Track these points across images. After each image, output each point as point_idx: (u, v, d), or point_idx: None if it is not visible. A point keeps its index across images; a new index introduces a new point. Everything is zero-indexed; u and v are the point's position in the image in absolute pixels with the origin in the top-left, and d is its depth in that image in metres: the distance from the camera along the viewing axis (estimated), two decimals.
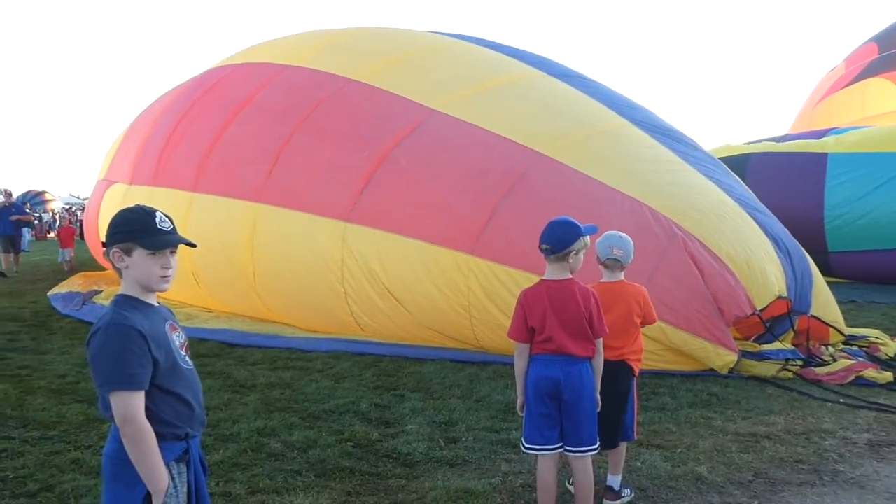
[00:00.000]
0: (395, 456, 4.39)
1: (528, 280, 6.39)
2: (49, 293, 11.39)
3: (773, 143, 14.27)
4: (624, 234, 3.89)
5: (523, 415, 3.48)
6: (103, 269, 13.26)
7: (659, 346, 6.01)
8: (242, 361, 6.93)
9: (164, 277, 2.30)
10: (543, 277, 3.42)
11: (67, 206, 43.17)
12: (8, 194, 16.58)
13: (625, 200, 6.41)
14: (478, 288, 6.64)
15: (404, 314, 7.15)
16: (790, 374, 6.04)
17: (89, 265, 15.60)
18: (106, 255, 2.31)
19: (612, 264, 3.83)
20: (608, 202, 6.38)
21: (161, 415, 2.20)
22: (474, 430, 4.86)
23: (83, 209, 40.85)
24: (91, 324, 8.65)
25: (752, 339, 6.41)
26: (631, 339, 3.75)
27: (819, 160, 12.00)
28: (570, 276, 3.38)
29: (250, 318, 8.72)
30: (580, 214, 6.34)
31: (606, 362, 3.47)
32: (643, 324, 3.81)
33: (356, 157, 7.52)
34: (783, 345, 6.34)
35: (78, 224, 32.30)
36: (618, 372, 3.67)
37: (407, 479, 4.07)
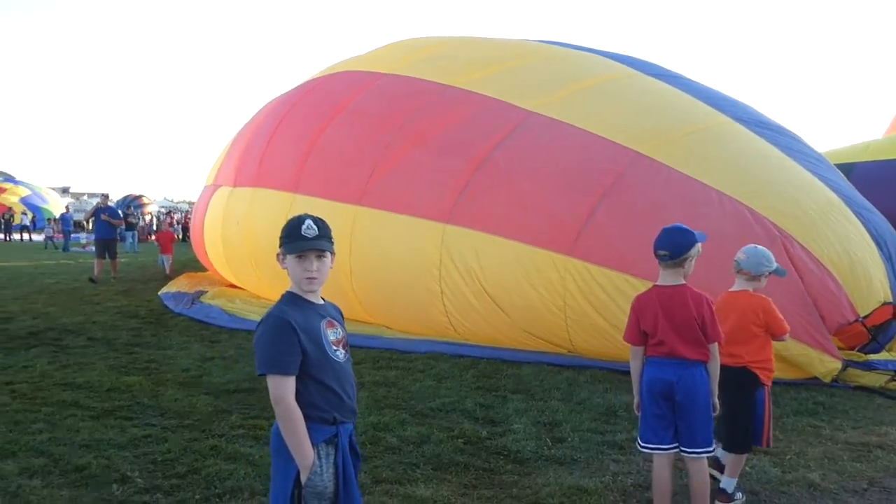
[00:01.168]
0: (505, 453, 4.57)
1: (625, 282, 6.52)
2: (160, 292, 12.13)
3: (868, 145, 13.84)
4: (758, 245, 3.99)
5: (639, 414, 3.61)
6: (205, 269, 14.02)
7: None
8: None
9: (310, 279, 2.55)
10: (656, 283, 3.54)
11: (166, 210, 45.35)
12: (105, 197, 16.35)
13: (724, 200, 6.39)
14: (574, 289, 6.75)
15: (499, 315, 7.33)
16: None
17: (191, 266, 16.50)
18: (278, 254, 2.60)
19: (737, 273, 3.95)
20: (707, 203, 6.38)
21: (310, 399, 2.47)
22: (579, 430, 5.00)
23: (181, 213, 42.94)
24: (202, 322, 9.30)
25: (857, 349, 6.31)
26: (752, 348, 3.82)
27: None
28: (684, 282, 3.49)
29: (346, 319, 9.10)
30: (679, 216, 6.44)
31: (730, 369, 3.59)
32: (771, 335, 3.88)
33: (455, 161, 7.76)
34: (891, 355, 6.20)
35: (179, 227, 33.94)
36: (742, 378, 3.78)
37: (519, 475, 4.24)
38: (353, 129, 8.97)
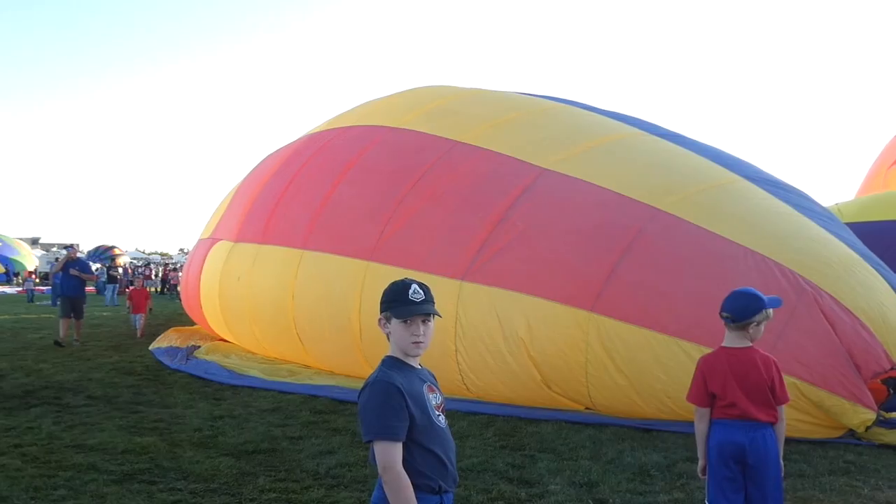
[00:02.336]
0: None
1: (649, 337, 6.52)
2: (151, 347, 11.88)
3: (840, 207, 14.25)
4: None
5: (705, 477, 3.56)
6: (193, 323, 13.78)
7: (794, 402, 5.98)
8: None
9: (416, 343, 2.53)
10: (723, 345, 3.54)
11: (142, 262, 44.71)
12: (73, 248, 14.10)
13: (748, 255, 6.46)
14: (597, 344, 6.72)
15: (516, 372, 7.26)
16: None
17: (176, 320, 16.21)
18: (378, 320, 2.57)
19: None
20: (732, 258, 6.46)
21: (417, 467, 2.41)
22: (619, 491, 4.91)
23: (158, 265, 42.36)
24: (202, 378, 9.09)
25: (879, 408, 6.34)
26: None
27: None
28: (751, 345, 3.50)
29: (352, 377, 8.96)
30: (703, 270, 6.55)
31: None
32: None
33: (471, 218, 7.79)
34: None
35: (158, 280, 33.42)
36: None
37: None
38: (364, 186, 9.01)
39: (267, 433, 6.43)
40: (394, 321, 2.52)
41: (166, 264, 40.92)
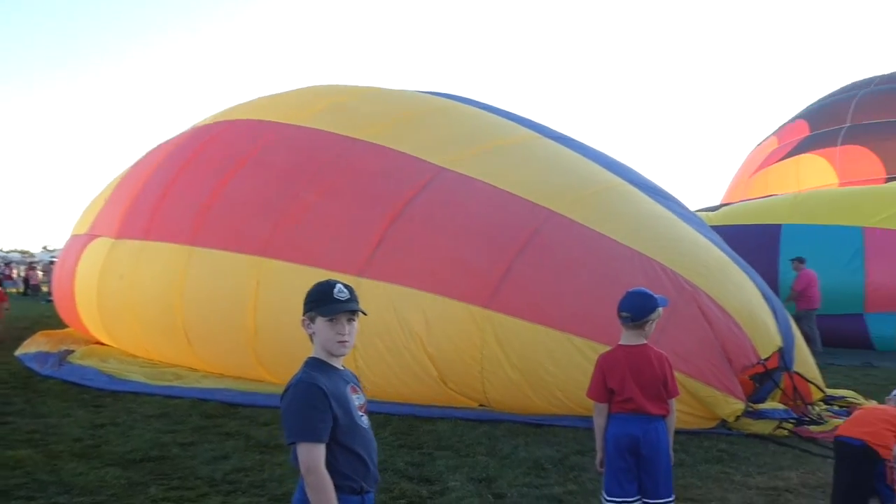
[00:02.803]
0: None
1: (544, 334, 6.75)
2: (17, 353, 11.07)
3: (708, 213, 15.48)
4: None
5: (602, 470, 3.76)
6: (64, 326, 12.96)
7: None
8: (254, 422, 6.96)
9: (342, 342, 2.55)
10: (620, 342, 3.75)
11: (1, 263, 41.40)
12: None
13: (635, 256, 6.82)
14: (493, 341, 6.88)
15: (413, 368, 7.31)
16: (786, 433, 6.50)
17: (44, 323, 15.10)
18: (302, 320, 2.55)
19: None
20: (620, 258, 6.80)
21: (339, 468, 2.41)
22: (515, 485, 5.07)
23: (20, 265, 39.19)
24: (78, 384, 8.57)
25: (746, 399, 6.87)
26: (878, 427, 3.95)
27: (773, 231, 12.92)
28: (645, 342, 3.73)
29: (242, 379, 8.72)
30: (594, 270, 6.86)
31: (851, 443, 3.86)
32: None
33: (368, 214, 7.79)
34: (776, 404, 6.81)
35: (20, 280, 31.02)
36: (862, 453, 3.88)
37: None
38: (257, 181, 8.80)
39: (155, 440, 6.17)
40: (319, 321, 2.52)
41: (29, 263, 38.09)
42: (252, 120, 10.16)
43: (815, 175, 20.76)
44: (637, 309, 3.67)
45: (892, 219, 12.09)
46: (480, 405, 7.26)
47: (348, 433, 2.46)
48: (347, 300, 2.55)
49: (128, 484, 4.97)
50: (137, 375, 9.02)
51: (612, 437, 3.66)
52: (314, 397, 2.39)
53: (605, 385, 3.68)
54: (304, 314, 2.56)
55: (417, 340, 7.20)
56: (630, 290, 3.79)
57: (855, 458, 3.90)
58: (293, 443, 2.38)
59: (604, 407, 3.72)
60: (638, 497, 3.64)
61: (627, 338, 3.73)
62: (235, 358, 8.60)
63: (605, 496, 3.69)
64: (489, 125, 8.89)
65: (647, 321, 3.67)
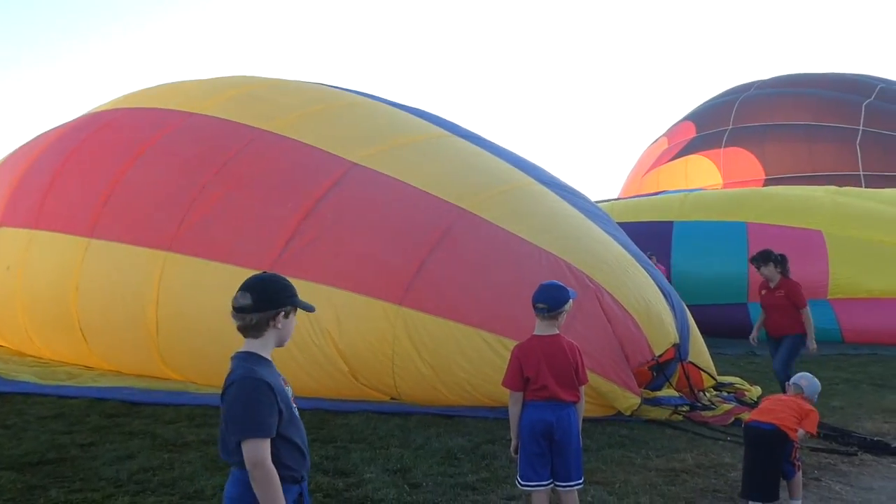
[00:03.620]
0: (368, 503, 4.62)
1: (455, 329, 6.87)
2: None
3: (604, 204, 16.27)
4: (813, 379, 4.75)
5: (517, 456, 3.90)
6: None
7: None
8: (158, 420, 6.74)
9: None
10: (535, 333, 3.91)
11: None
12: None
13: (542, 255, 7.04)
14: (404, 337, 6.95)
15: (323, 364, 7.28)
16: (680, 417, 6.90)
17: None
18: (262, 315, 2.53)
19: (793, 388, 4.77)
20: (529, 257, 7.00)
21: (283, 460, 2.45)
22: (430, 475, 5.17)
23: None
24: None
25: (644, 387, 7.26)
26: (786, 413, 4.49)
27: (666, 228, 13.64)
28: (558, 332, 3.90)
29: (143, 377, 8.42)
30: (504, 267, 7.05)
31: (764, 427, 4.34)
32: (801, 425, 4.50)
33: (279, 209, 7.67)
34: (672, 392, 7.22)
35: None
36: (772, 437, 4.39)
37: None
38: (161, 171, 8.48)
39: (52, 442, 5.88)
40: (291, 315, 2.60)
41: None
42: (152, 108, 9.77)
43: (702, 175, 21.99)
44: (552, 300, 3.83)
45: (772, 213, 13.00)
46: (392, 398, 7.32)
47: (289, 425, 2.51)
48: None
49: (25, 488, 4.74)
50: (27, 375, 8.52)
51: (526, 423, 3.81)
52: (261, 392, 2.42)
53: (521, 374, 3.83)
54: (279, 308, 2.55)
55: (328, 337, 7.18)
56: (543, 282, 3.95)
57: (768, 441, 4.39)
58: (243, 439, 2.37)
59: (519, 395, 3.86)
60: (550, 481, 3.81)
61: (542, 328, 3.88)
62: (136, 355, 8.28)
63: (520, 481, 3.84)
64: (401, 122, 8.94)
65: (560, 312, 3.85)
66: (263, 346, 2.57)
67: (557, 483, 3.81)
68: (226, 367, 8.35)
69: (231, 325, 8.24)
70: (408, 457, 5.57)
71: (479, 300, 6.88)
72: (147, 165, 8.65)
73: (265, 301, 2.55)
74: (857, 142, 19.23)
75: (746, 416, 6.84)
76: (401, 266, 7.11)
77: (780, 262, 7.57)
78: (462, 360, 6.80)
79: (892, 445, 6.04)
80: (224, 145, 8.40)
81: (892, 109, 19.77)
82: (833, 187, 14.71)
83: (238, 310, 2.56)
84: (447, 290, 6.93)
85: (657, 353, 6.96)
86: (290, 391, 2.63)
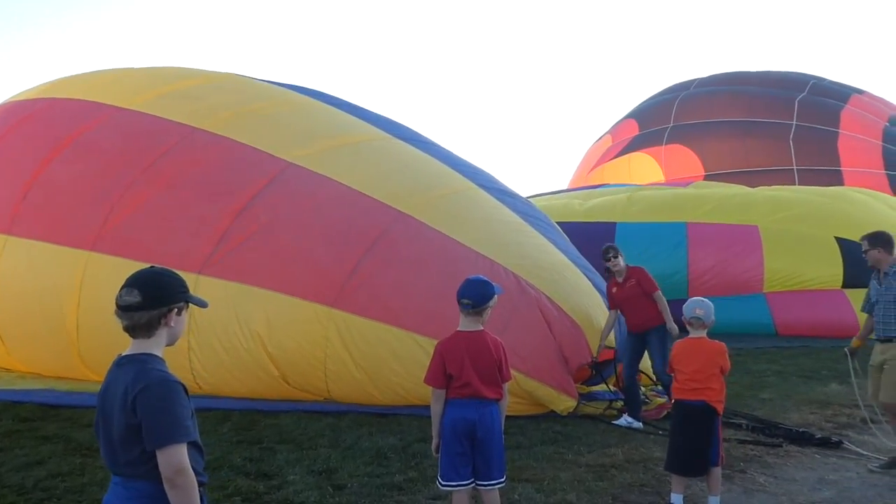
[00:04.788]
0: None
1: (388, 332, 6.74)
2: None
3: (552, 196, 16.43)
4: (705, 299, 4.54)
5: (438, 455, 3.79)
6: None
7: (512, 391, 6.58)
8: (76, 423, 6.44)
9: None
10: (459, 329, 3.80)
11: None
12: None
13: (479, 259, 6.97)
14: (337, 340, 6.79)
15: (253, 368, 7.08)
16: (615, 412, 6.91)
17: None
18: (153, 313, 2.35)
19: (695, 322, 4.51)
20: (465, 260, 6.90)
21: (192, 464, 2.28)
22: (356, 476, 5.04)
23: None
24: None
25: (581, 383, 7.25)
26: (713, 385, 4.42)
27: (609, 228, 13.78)
28: (482, 328, 3.80)
29: (65, 379, 8.06)
30: (440, 271, 6.93)
31: (691, 403, 4.34)
32: (723, 373, 4.49)
33: (210, 208, 7.42)
34: (607, 387, 7.23)
35: None
36: (702, 411, 4.38)
37: None
38: (85, 166, 8.10)
39: None
40: (185, 312, 2.43)
41: None
42: (78, 100, 9.33)
43: (645, 173, 22.29)
44: (477, 296, 3.74)
45: (710, 213, 13.22)
46: (326, 399, 7.15)
47: (195, 427, 2.36)
48: None
49: None
50: None
51: (448, 422, 3.71)
52: (180, 395, 2.27)
53: (444, 371, 3.72)
54: (171, 304, 2.37)
55: (258, 340, 6.98)
56: (469, 277, 3.85)
57: (697, 417, 4.44)
58: (162, 445, 2.19)
59: (441, 393, 3.76)
60: (472, 480, 3.72)
61: (466, 324, 3.79)
62: (55, 357, 7.92)
63: (441, 481, 3.74)
64: (340, 122, 8.75)
65: (485, 308, 3.75)
66: (156, 346, 2.38)
67: (479, 482, 3.72)
68: None
69: None
70: (335, 457, 5.43)
71: (413, 303, 6.77)
72: (70, 161, 8.29)
73: (155, 298, 2.35)
74: (791, 137, 19.73)
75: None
76: (334, 268, 6.95)
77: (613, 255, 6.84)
78: (395, 363, 6.69)
79: (817, 436, 6.14)
80: (154, 141, 8.09)
81: (824, 103, 20.33)
82: (764, 187, 15.10)
83: (124, 308, 2.35)
84: (381, 292, 6.81)
85: (594, 355, 6.94)
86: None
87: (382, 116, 9.31)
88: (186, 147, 7.98)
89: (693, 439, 4.45)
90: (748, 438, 6.14)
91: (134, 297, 2.34)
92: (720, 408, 4.57)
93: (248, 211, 7.33)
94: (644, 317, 6.75)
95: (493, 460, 3.71)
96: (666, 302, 6.78)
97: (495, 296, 3.78)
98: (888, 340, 5.51)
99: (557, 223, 12.62)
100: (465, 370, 3.67)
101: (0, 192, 8.47)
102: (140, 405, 2.22)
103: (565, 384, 6.71)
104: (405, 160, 8.22)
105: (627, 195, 15.20)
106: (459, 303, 3.75)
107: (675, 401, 4.66)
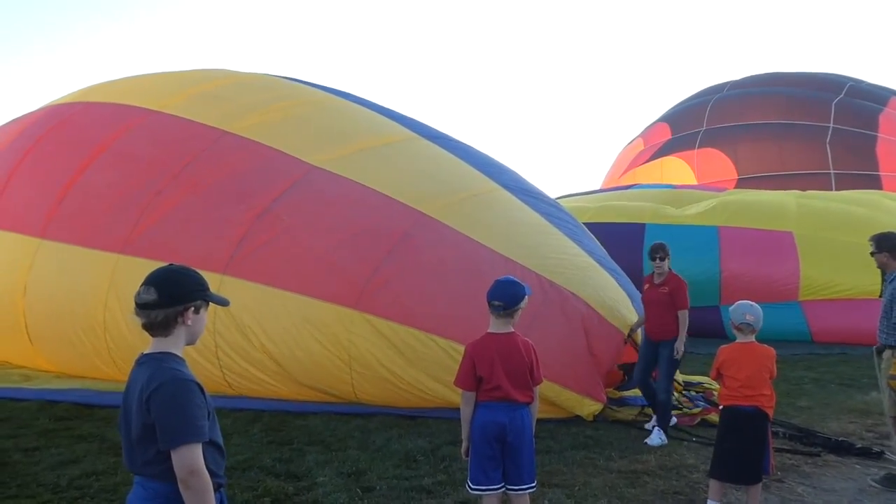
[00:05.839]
0: None
1: (410, 335, 6.72)
2: None
3: (585, 197, 16.28)
4: (754, 304, 4.44)
5: (468, 459, 3.75)
6: None
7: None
8: (111, 423, 6.50)
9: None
10: (489, 331, 3.76)
11: None
12: None
13: (499, 259, 6.91)
14: (361, 342, 6.77)
15: (278, 370, 7.10)
16: (647, 418, 6.79)
17: None
18: (169, 311, 2.35)
19: (745, 328, 4.42)
20: (488, 262, 6.84)
21: (208, 465, 2.26)
22: (385, 478, 5.02)
23: None
24: None
25: (613, 388, 7.16)
26: (765, 391, 4.37)
27: (638, 230, 13.59)
28: (513, 330, 3.75)
29: (97, 379, 8.16)
30: (462, 273, 6.89)
31: (744, 409, 4.27)
32: (770, 378, 4.44)
33: (233, 210, 7.46)
34: (638, 392, 7.12)
35: None
36: (755, 417, 4.32)
37: None
38: (119, 173, 8.23)
39: None
40: (203, 310, 2.42)
41: None
42: (113, 104, 9.49)
43: (677, 177, 21.99)
44: (509, 297, 3.69)
45: (742, 217, 13.00)
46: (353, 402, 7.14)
47: (213, 427, 2.35)
48: None
49: None
50: None
51: (478, 425, 3.66)
52: (195, 395, 2.26)
53: (474, 373, 3.68)
54: (188, 303, 2.37)
55: (282, 344, 6.99)
56: (498, 279, 3.81)
57: (751, 423, 4.36)
58: (176, 446, 2.18)
59: (471, 395, 3.71)
60: (502, 484, 3.67)
61: (497, 326, 3.74)
62: (87, 359, 8.01)
63: (471, 485, 3.70)
64: (366, 123, 8.76)
65: (516, 309, 3.71)
66: (175, 345, 2.37)
67: (509, 487, 3.67)
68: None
69: None
70: (364, 459, 5.41)
71: (436, 306, 6.73)
72: (104, 168, 8.42)
73: (172, 296, 2.35)
74: (827, 140, 19.30)
75: (713, 417, 6.81)
76: (356, 270, 6.93)
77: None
78: (418, 365, 6.65)
79: (857, 446, 5.97)
80: (183, 147, 8.17)
81: (862, 106, 19.87)
82: (796, 191, 14.77)
83: (141, 306, 2.35)
84: (403, 294, 6.77)
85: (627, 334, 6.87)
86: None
87: (408, 117, 9.30)
88: (214, 152, 8.05)
89: (746, 446, 4.36)
90: (785, 447, 5.99)
91: (151, 295, 2.34)
92: (771, 413, 4.48)
93: (270, 211, 7.37)
94: (662, 326, 6.49)
95: (523, 465, 3.65)
96: (687, 323, 6.44)
97: (526, 297, 3.73)
98: (883, 349, 5.38)
99: (587, 224, 12.57)
100: (496, 372, 3.63)
101: (36, 196, 8.63)
102: (153, 404, 2.22)
103: (590, 387, 6.61)
104: (431, 162, 8.18)
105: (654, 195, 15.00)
106: (490, 304, 3.71)
107: (725, 407, 4.54)
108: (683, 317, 6.43)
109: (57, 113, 9.77)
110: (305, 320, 6.96)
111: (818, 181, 18.28)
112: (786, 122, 20.13)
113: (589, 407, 6.64)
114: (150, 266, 8.38)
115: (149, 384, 2.25)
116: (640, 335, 7.02)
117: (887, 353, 5.34)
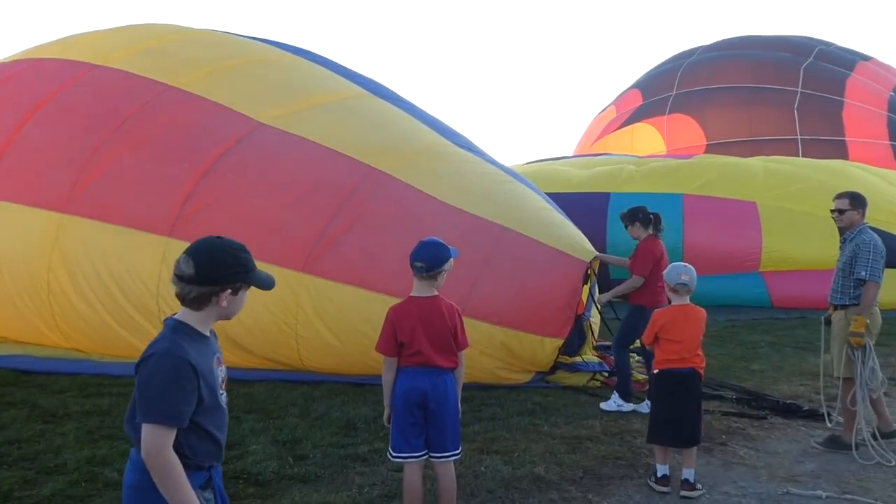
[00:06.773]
0: (245, 477, 4.32)
1: (360, 296, 6.54)
2: None
3: (552, 163, 16.12)
4: (689, 265, 4.33)
5: (390, 426, 3.62)
6: None
7: (488, 349, 6.39)
8: (46, 389, 6.33)
9: None
10: (412, 294, 3.60)
11: None
12: None
13: (449, 211, 6.77)
14: (308, 306, 6.61)
15: (221, 336, 6.90)
16: (598, 384, 6.73)
17: None
18: (204, 290, 2.19)
19: (681, 288, 4.30)
20: (436, 214, 6.70)
21: (190, 448, 2.14)
22: (320, 446, 4.89)
23: None
24: None
25: (561, 353, 7.05)
26: (698, 351, 4.32)
27: (602, 199, 13.45)
28: (437, 293, 3.60)
29: (40, 345, 7.92)
30: (410, 228, 6.70)
31: (681, 371, 4.20)
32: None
33: (177, 169, 7.19)
34: (591, 357, 7.03)
35: None
36: (692, 379, 4.27)
37: (262, 498, 4.04)
38: (58, 128, 7.86)
39: None
40: (242, 291, 2.26)
41: None
42: (58, 59, 9.09)
43: (647, 143, 21.89)
44: (432, 259, 3.53)
45: (706, 186, 12.89)
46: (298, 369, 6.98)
47: (207, 414, 2.18)
48: None
49: None
50: None
51: (400, 391, 3.53)
52: (183, 376, 2.09)
53: (395, 338, 3.54)
54: (227, 284, 2.20)
55: None
56: (422, 239, 3.64)
57: (688, 385, 4.33)
58: (145, 421, 2.05)
59: (393, 361, 3.58)
60: (425, 452, 3.55)
61: (419, 289, 3.59)
62: (29, 323, 7.75)
63: (392, 453, 3.57)
64: (319, 80, 8.46)
65: (440, 271, 3.55)
66: (201, 321, 2.22)
67: (432, 454, 3.55)
68: (123, 335, 7.73)
69: (129, 291, 7.67)
70: (302, 427, 5.28)
71: (384, 263, 6.54)
72: (45, 122, 8.05)
73: (207, 276, 2.18)
74: (795, 106, 19.22)
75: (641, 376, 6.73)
76: (303, 230, 6.73)
77: (649, 221, 6.45)
78: (367, 328, 6.45)
79: (804, 408, 5.95)
80: (126, 101, 7.83)
81: (830, 71, 19.79)
82: (764, 157, 14.70)
83: (177, 276, 2.19)
84: (351, 254, 6.59)
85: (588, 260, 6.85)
86: (222, 372, 2.30)
87: (364, 76, 9.03)
88: (157, 106, 7.72)
89: (685, 409, 4.31)
90: (732, 410, 5.95)
91: (189, 269, 2.18)
92: (702, 375, 4.45)
93: (215, 171, 7.11)
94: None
95: (446, 431, 3.53)
96: (629, 287, 6.28)
97: (450, 259, 3.57)
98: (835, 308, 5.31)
99: (550, 194, 12.39)
100: (417, 337, 3.48)
101: None
102: (139, 373, 2.11)
103: (550, 326, 6.53)
104: (382, 118, 7.94)
105: (620, 168, 14.86)
106: (412, 266, 3.54)
107: (661, 371, 4.42)
108: (631, 280, 6.31)
109: (1, 70, 9.36)
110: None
111: (785, 147, 18.25)
112: (755, 86, 20.01)
113: (551, 344, 6.60)
114: (97, 228, 8.04)
115: (146, 350, 2.15)
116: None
117: (840, 314, 5.26)
